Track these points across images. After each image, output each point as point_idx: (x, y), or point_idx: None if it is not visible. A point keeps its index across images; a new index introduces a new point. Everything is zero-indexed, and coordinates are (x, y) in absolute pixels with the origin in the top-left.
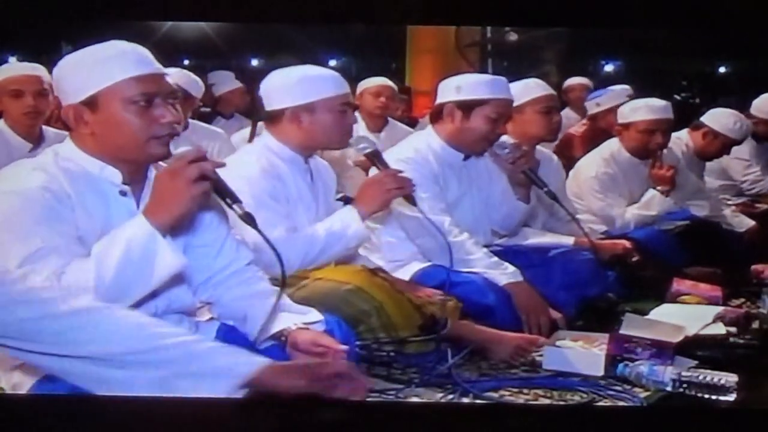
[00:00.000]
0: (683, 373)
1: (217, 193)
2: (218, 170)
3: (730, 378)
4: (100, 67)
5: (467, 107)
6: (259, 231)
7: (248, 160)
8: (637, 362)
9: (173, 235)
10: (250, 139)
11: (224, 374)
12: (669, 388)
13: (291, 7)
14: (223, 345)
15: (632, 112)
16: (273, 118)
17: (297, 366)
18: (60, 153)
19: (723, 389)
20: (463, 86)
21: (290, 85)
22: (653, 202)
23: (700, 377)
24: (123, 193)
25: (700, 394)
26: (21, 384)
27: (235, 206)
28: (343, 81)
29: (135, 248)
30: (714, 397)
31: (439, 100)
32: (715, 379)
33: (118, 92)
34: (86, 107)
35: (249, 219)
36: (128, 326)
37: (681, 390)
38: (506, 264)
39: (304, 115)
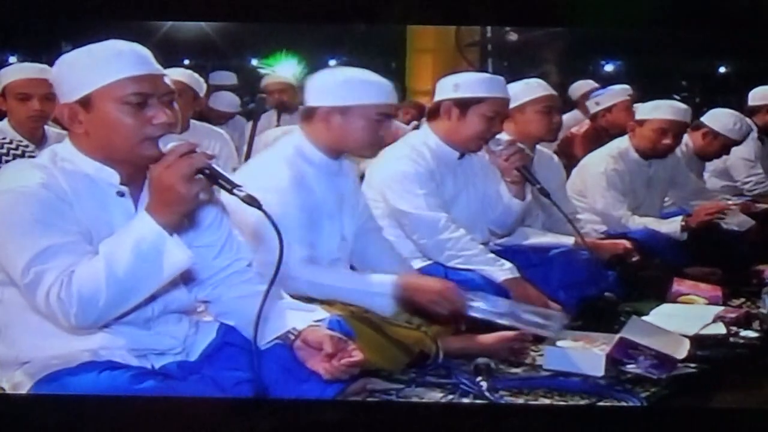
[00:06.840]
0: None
1: (214, 182)
2: (247, 177)
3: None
4: (95, 67)
5: (464, 105)
6: (265, 212)
7: (279, 168)
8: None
9: (178, 233)
10: (250, 140)
11: None
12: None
13: (291, 7)
14: None
15: (653, 109)
16: (307, 115)
17: None
18: (59, 153)
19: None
20: (461, 84)
21: (332, 85)
22: (671, 227)
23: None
24: (121, 194)
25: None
26: (22, 384)
27: (235, 191)
28: (389, 90)
29: (144, 246)
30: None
31: (437, 97)
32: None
33: (111, 92)
34: (81, 106)
35: (252, 201)
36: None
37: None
38: (503, 260)
39: (335, 117)
